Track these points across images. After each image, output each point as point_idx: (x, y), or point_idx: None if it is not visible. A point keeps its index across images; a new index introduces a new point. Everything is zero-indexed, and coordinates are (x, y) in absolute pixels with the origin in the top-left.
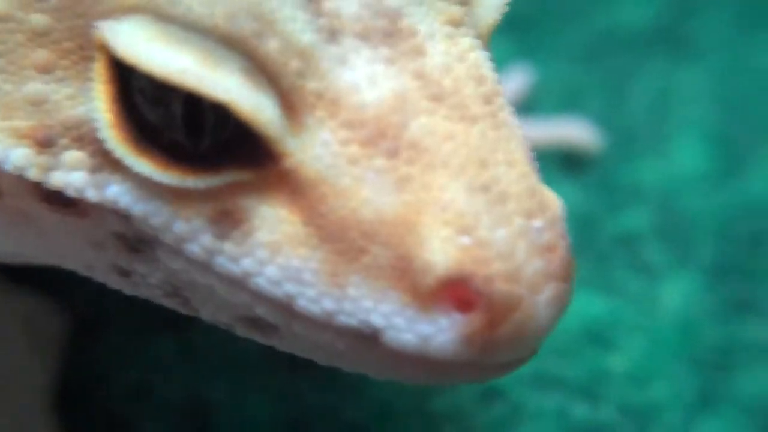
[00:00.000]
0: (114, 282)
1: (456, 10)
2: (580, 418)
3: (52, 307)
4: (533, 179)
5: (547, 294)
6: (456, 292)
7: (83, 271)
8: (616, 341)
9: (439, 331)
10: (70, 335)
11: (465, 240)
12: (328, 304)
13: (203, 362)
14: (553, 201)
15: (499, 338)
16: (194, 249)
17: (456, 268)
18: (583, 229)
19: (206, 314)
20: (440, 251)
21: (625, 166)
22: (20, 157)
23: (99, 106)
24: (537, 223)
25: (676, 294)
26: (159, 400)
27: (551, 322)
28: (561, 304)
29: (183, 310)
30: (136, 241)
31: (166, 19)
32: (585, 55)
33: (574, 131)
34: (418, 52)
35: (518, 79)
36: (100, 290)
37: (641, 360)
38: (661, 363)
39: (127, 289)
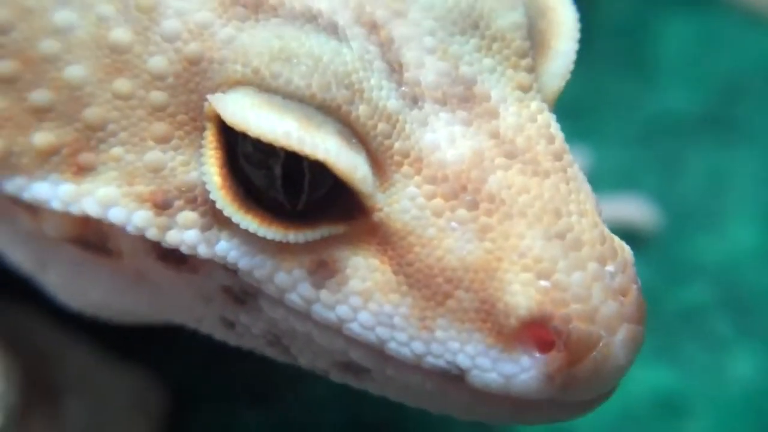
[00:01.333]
0: (220, 334)
1: (524, 77)
2: None
3: (155, 381)
4: (603, 228)
5: (622, 334)
6: (537, 332)
7: (192, 325)
8: (687, 413)
9: (521, 370)
10: (170, 410)
11: (544, 283)
12: (418, 347)
13: None
14: (623, 248)
15: (578, 376)
16: (294, 298)
17: (537, 310)
18: (647, 304)
19: (304, 361)
20: (521, 294)
21: (683, 242)
22: (141, 219)
23: (209, 170)
24: (610, 267)
25: (744, 365)
26: None
27: (627, 361)
28: (636, 345)
29: (283, 359)
30: (242, 293)
31: (268, 89)
32: (638, 138)
33: (633, 210)
34: (492, 114)
35: (577, 162)
36: (197, 367)
37: (714, 429)
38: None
39: (232, 340)
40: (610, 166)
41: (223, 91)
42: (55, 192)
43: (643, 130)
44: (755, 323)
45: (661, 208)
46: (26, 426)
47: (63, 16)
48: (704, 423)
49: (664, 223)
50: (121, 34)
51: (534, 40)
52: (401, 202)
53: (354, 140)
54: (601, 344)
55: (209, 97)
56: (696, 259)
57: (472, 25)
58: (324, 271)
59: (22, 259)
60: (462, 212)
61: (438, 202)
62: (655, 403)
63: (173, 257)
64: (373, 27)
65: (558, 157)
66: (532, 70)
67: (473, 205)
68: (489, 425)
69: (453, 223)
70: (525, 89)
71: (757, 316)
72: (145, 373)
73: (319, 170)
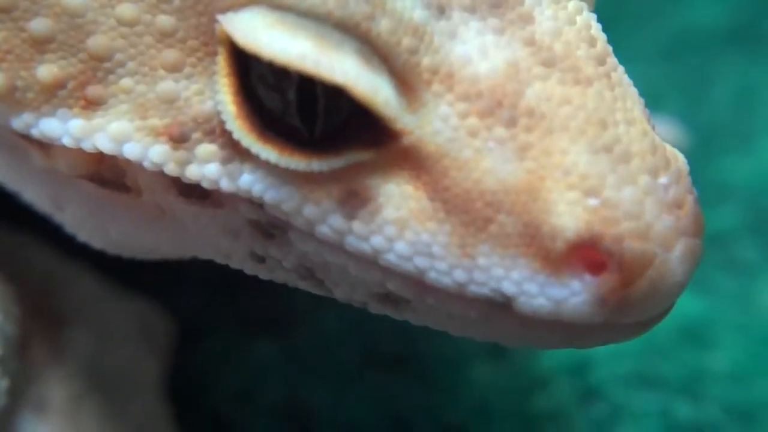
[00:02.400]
0: (251, 268)
1: None
2: (684, 418)
3: (162, 311)
4: (654, 136)
5: (679, 250)
6: (586, 254)
7: (220, 260)
8: (714, 340)
9: (572, 295)
10: (177, 340)
11: (592, 201)
12: (459, 276)
13: (303, 366)
14: (677, 156)
15: (633, 297)
16: (325, 230)
17: (585, 231)
18: None
19: (340, 294)
20: (568, 215)
21: (710, 164)
22: (158, 154)
23: (224, 98)
24: (663, 179)
25: None
26: (262, 403)
27: (685, 278)
28: (694, 260)
29: (318, 292)
30: (270, 227)
31: (281, 8)
32: (662, 55)
33: (657, 131)
34: (526, 19)
35: None
36: (205, 297)
37: (742, 358)
38: (763, 361)
39: (264, 275)
40: (634, 84)
41: (234, 11)
42: (66, 128)
43: (668, 47)
44: None
45: (687, 129)
46: (29, 355)
47: None
48: (730, 352)
49: (690, 144)
50: None
51: None
52: (433, 124)
53: (376, 60)
54: (656, 262)
55: (220, 17)
56: (724, 181)
57: None
58: (355, 201)
59: (37, 197)
60: (499, 130)
61: (473, 121)
62: (679, 332)
63: (195, 192)
64: None
65: (601, 61)
66: None
67: (511, 122)
68: (508, 357)
69: (490, 143)
70: None
71: None
72: (151, 303)
73: (335, 94)
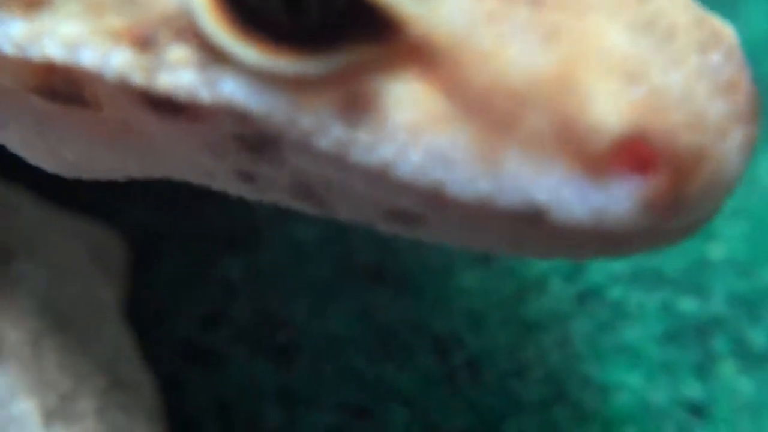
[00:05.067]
0: (237, 189)
1: None
2: (688, 312)
3: (114, 234)
4: (697, 7)
5: (735, 139)
6: (633, 152)
7: (200, 180)
8: (714, 229)
9: (616, 201)
10: (133, 263)
11: (636, 90)
12: (484, 185)
13: (274, 283)
14: (725, 30)
15: (688, 197)
16: (324, 143)
17: (631, 125)
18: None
19: (344, 213)
20: (609, 107)
21: None
22: (120, 61)
23: None
24: (714, 57)
25: None
26: (233, 324)
27: (741, 170)
28: (750, 147)
29: (318, 212)
30: (259, 141)
31: None
32: None
33: None
34: None
35: None
36: (155, 214)
37: (744, 246)
38: (766, 248)
39: (253, 195)
40: None
41: None
42: (6, 33)
43: None
44: None
45: None
46: None
47: None
48: (734, 240)
49: None
50: None
51: None
52: (444, 10)
53: None
54: (712, 156)
55: None
56: None
57: None
58: (358, 107)
59: None
60: (523, 12)
61: (490, 3)
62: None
63: (167, 105)
64: None
65: None
66: None
67: (536, 1)
68: (497, 261)
69: (513, 28)
70: None
71: None
72: (99, 224)
73: None
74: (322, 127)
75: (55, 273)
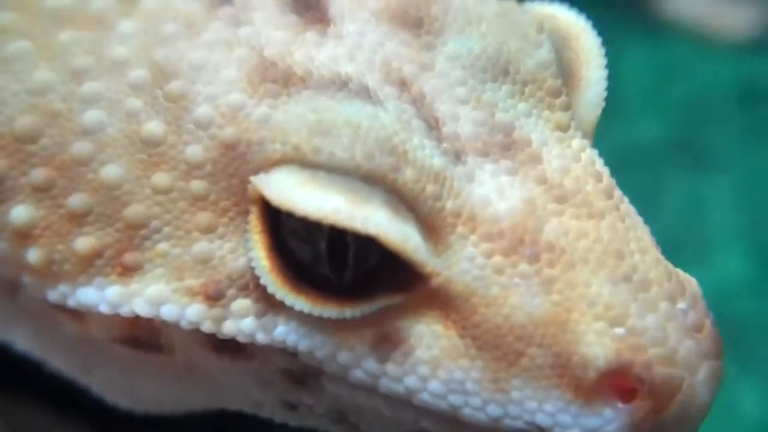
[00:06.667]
0: (282, 416)
1: (562, 116)
2: None
3: None
4: (666, 263)
5: (704, 373)
6: (617, 382)
7: (251, 410)
8: None
9: (605, 423)
10: None
11: (618, 330)
12: (494, 410)
13: None
14: (690, 281)
15: (665, 422)
16: (359, 374)
17: (615, 359)
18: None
19: None
20: (597, 344)
21: None
22: (195, 313)
23: (257, 254)
24: (681, 304)
25: (748, 400)
26: None
27: (710, 399)
28: (717, 381)
29: None
30: (302, 374)
31: (311, 166)
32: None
33: None
34: (536, 159)
35: None
36: None
37: None
38: None
39: (294, 421)
40: None
41: (265, 172)
42: (103, 296)
43: (612, 164)
44: (753, 356)
45: None
46: None
47: (92, 116)
48: None
49: None
50: (153, 127)
51: (563, 72)
52: (460, 264)
53: (402, 208)
54: (685, 386)
55: (253, 179)
56: None
57: (501, 71)
58: (387, 344)
59: (64, 364)
60: (524, 266)
61: (498, 259)
62: None
63: (228, 347)
64: (402, 84)
65: (609, 194)
66: (568, 107)
67: (534, 258)
68: None
69: (516, 279)
70: (564, 128)
71: (754, 348)
72: None
73: (365, 243)
74: (357, 362)
75: None
